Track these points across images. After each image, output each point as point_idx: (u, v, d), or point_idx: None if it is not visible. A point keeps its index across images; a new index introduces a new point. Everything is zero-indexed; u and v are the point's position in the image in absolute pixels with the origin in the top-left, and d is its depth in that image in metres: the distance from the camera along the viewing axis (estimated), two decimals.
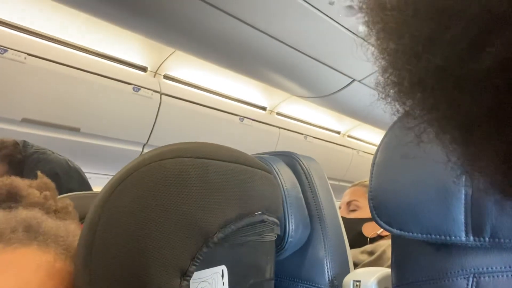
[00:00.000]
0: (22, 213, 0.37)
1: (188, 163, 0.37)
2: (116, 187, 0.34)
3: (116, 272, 0.30)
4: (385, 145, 0.48)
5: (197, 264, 0.33)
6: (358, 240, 1.02)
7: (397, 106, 0.21)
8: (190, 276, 0.33)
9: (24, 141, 1.02)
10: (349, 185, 1.18)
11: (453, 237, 0.41)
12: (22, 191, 0.42)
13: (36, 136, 1.39)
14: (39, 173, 0.50)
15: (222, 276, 0.37)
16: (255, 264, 0.43)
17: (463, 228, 0.41)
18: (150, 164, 0.36)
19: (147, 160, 0.36)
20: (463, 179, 0.41)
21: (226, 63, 1.41)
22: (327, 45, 1.20)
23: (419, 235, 0.43)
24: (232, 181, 0.40)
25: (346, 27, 1.11)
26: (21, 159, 0.97)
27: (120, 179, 0.34)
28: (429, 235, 0.42)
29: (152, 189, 0.34)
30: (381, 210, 0.45)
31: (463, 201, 0.41)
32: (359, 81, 1.42)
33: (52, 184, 0.47)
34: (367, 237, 1.03)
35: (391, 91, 0.21)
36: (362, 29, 1.17)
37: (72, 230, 0.39)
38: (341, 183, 2.50)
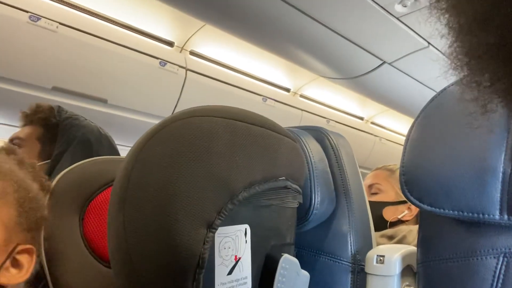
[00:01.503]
0: None
1: (218, 122, 0.37)
2: (149, 139, 0.34)
3: (147, 216, 0.30)
4: (421, 121, 0.47)
5: (222, 218, 0.34)
6: (378, 223, 1.01)
7: (466, 74, 0.22)
8: (216, 229, 0.33)
9: (59, 107, 1.05)
10: (369, 172, 1.16)
11: (487, 215, 0.39)
12: None
13: (65, 105, 1.41)
14: None
15: (245, 234, 0.38)
16: (277, 227, 0.43)
17: (498, 206, 0.39)
18: (182, 119, 0.36)
19: (179, 116, 0.37)
20: (503, 157, 0.39)
21: (255, 39, 1.39)
22: (359, 24, 1.16)
23: (451, 212, 0.41)
24: (259, 144, 0.40)
25: (382, 5, 1.07)
26: (56, 123, 1.00)
27: (153, 132, 0.35)
28: (461, 213, 0.41)
29: (182, 142, 0.34)
30: (412, 186, 0.44)
31: (500, 179, 0.39)
32: (390, 63, 1.37)
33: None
34: (387, 221, 1.02)
35: (463, 61, 0.22)
36: (398, 8, 1.13)
37: (21, 176, 0.46)
38: (361, 170, 2.47)
